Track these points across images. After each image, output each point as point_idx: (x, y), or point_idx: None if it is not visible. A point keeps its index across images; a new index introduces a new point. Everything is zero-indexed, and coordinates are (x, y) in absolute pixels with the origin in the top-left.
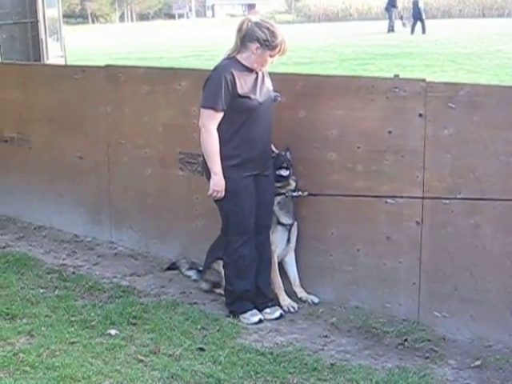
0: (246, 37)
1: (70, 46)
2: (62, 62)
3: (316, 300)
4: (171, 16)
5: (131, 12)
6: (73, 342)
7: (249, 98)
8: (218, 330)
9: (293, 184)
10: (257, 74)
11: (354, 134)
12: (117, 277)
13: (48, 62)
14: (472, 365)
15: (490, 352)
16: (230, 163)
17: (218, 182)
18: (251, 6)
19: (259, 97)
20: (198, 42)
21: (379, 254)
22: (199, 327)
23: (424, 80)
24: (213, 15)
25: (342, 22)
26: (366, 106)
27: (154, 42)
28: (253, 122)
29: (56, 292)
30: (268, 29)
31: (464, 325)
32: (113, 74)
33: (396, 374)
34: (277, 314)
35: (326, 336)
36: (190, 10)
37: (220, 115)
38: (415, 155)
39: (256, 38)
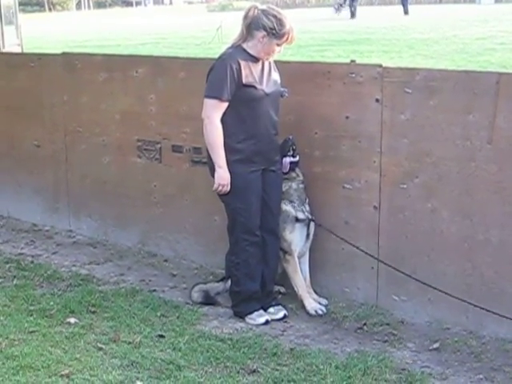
0: (251, 25)
1: (27, 34)
2: (18, 50)
3: (324, 302)
4: (129, 3)
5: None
6: (32, 331)
7: (254, 87)
8: (178, 317)
9: (300, 175)
10: (263, 63)
11: (311, 120)
12: (76, 265)
13: (4, 50)
14: (430, 347)
15: (448, 334)
16: (235, 157)
17: (222, 176)
18: None
19: (265, 87)
20: (155, 30)
21: (338, 239)
22: (159, 314)
23: (380, 65)
24: (170, 3)
25: (300, 9)
26: (322, 91)
27: (112, 29)
28: (258, 114)
29: (14, 281)
30: (275, 16)
31: (422, 308)
32: (69, 62)
33: (355, 358)
34: (281, 314)
35: (285, 321)
36: None
37: (224, 105)
38: (372, 140)
39: (262, 26)
